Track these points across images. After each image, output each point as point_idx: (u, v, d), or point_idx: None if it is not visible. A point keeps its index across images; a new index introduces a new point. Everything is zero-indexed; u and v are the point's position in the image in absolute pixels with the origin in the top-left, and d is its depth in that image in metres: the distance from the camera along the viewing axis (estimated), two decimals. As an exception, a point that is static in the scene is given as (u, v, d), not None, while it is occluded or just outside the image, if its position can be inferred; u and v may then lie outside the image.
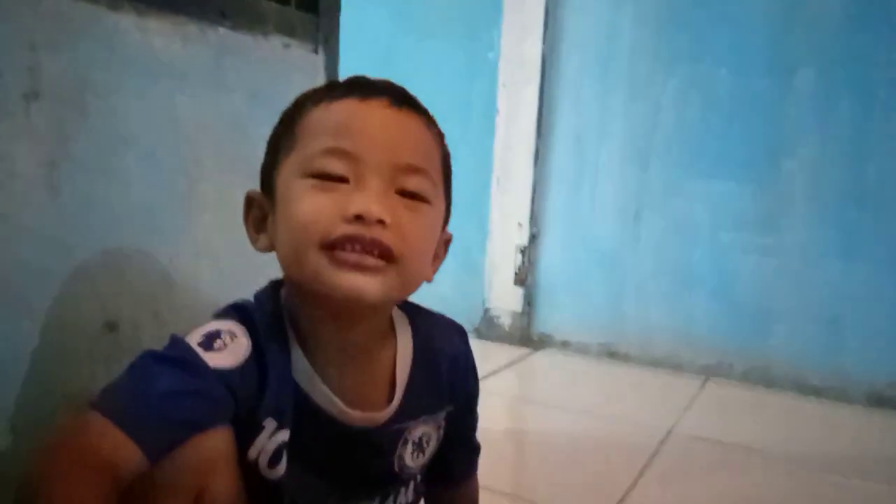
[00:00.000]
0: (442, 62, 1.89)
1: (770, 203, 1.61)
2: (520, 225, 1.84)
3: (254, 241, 0.59)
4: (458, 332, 0.67)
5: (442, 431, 0.64)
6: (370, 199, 0.50)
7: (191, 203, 0.84)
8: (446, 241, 0.60)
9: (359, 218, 0.50)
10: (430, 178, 0.54)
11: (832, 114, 1.55)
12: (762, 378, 1.63)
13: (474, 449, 0.71)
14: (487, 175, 1.87)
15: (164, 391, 0.49)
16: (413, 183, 0.53)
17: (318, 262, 0.51)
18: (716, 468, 1.20)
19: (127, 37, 0.75)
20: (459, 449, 0.68)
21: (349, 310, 0.54)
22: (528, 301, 1.86)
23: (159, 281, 0.82)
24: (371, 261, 0.51)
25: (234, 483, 0.53)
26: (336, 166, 0.51)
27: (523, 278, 1.85)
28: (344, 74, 1.01)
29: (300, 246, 0.51)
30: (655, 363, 1.73)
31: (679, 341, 1.71)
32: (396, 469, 0.60)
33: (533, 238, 1.85)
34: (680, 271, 1.71)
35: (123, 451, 0.46)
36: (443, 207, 0.58)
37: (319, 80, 0.98)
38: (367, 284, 0.51)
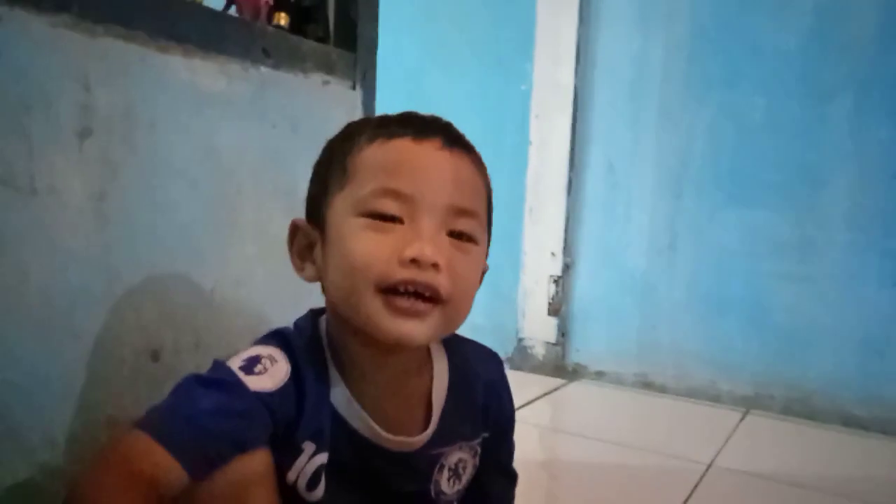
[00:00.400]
0: (475, 94, 1.92)
1: (807, 230, 1.58)
2: (553, 255, 1.84)
3: (299, 270, 0.60)
4: (494, 359, 0.67)
5: (478, 459, 0.64)
6: (425, 243, 0.51)
7: (232, 233, 0.86)
8: (483, 272, 0.61)
9: (413, 261, 0.51)
10: (478, 219, 0.56)
11: (868, 139, 1.52)
12: (804, 409, 1.59)
13: (511, 477, 0.70)
14: (520, 205, 1.88)
15: (206, 411, 0.50)
16: (463, 225, 0.54)
17: (373, 306, 0.52)
18: (758, 501, 1.17)
19: (174, 75, 0.78)
20: (496, 477, 0.68)
21: (394, 346, 0.56)
22: (562, 331, 1.85)
23: (201, 309, 0.84)
24: (422, 306, 0.52)
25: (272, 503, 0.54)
26: (391, 207, 0.53)
27: (557, 308, 1.85)
28: (380, 109, 1.04)
29: (356, 287, 0.53)
30: (693, 394, 1.70)
31: (717, 372, 1.68)
32: (433, 495, 0.61)
33: (566, 268, 1.84)
34: (716, 300, 1.68)
35: (164, 468, 0.47)
36: (486, 244, 0.59)
37: (357, 115, 1.00)
38: (417, 329, 0.53)
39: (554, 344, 1.85)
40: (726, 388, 1.67)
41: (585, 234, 1.83)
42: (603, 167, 1.81)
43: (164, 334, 0.81)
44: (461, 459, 0.62)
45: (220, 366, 0.55)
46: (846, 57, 1.54)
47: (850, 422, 1.54)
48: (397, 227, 0.52)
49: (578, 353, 1.85)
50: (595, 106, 1.81)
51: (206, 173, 0.83)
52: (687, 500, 1.14)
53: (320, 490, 0.56)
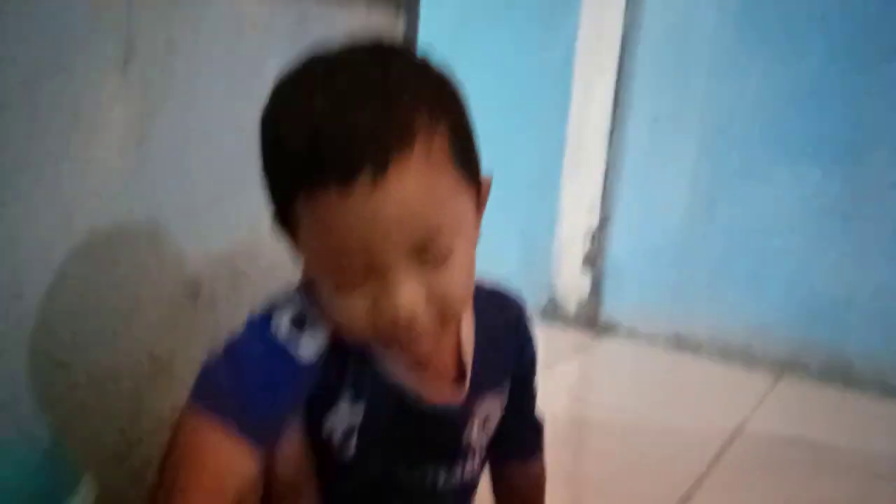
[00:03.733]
0: (518, 41, 1.84)
1: (856, 191, 1.52)
2: (591, 208, 1.80)
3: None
4: (517, 302, 0.66)
5: (504, 405, 0.64)
6: (396, 301, 0.47)
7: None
8: (486, 190, 0.55)
9: (393, 321, 0.48)
10: (447, 228, 0.49)
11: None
12: (841, 375, 1.55)
13: (536, 426, 0.70)
14: (559, 156, 1.82)
15: (268, 384, 0.50)
16: (433, 250, 0.48)
17: (374, 344, 0.52)
18: (787, 470, 1.16)
19: (216, 3, 0.75)
20: (522, 425, 0.68)
21: None
22: (596, 286, 1.83)
23: (240, 249, 0.83)
24: (420, 337, 0.50)
25: (299, 452, 0.55)
26: (348, 274, 0.48)
27: (592, 262, 1.81)
28: (423, 37, 1.00)
29: (349, 336, 0.52)
30: (726, 355, 1.67)
31: (752, 333, 1.65)
32: (462, 444, 0.61)
33: (604, 221, 1.80)
34: (756, 260, 1.64)
35: (243, 456, 0.48)
36: (473, 211, 0.53)
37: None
38: (424, 350, 0.52)
39: (586, 299, 1.83)
40: (761, 351, 1.64)
41: (625, 188, 1.78)
42: (647, 119, 1.75)
43: (203, 273, 0.80)
44: (491, 409, 0.62)
45: (265, 326, 0.52)
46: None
47: (889, 391, 1.50)
48: (366, 281, 0.48)
49: (611, 309, 1.82)
50: (642, 56, 1.73)
51: (246, 108, 0.80)
52: (714, 462, 1.13)
53: (352, 447, 0.56)
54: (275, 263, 0.86)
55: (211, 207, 0.80)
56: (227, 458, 0.47)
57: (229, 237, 0.82)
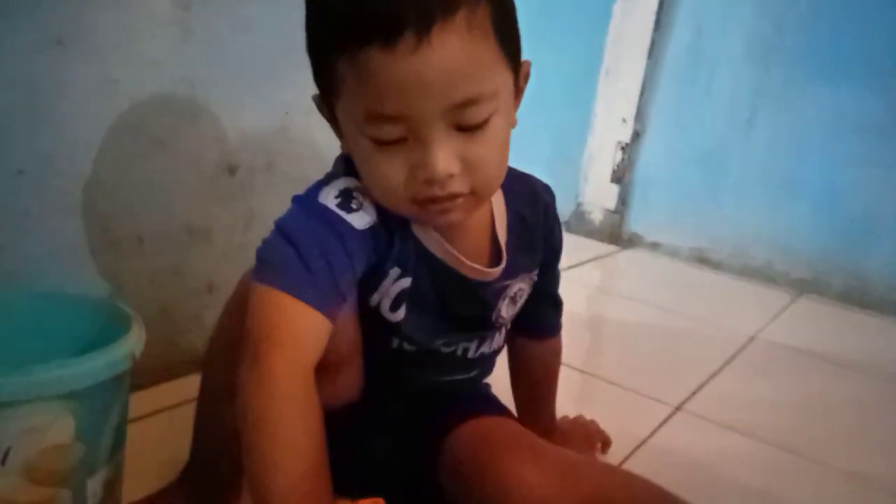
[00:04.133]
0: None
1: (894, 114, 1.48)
2: (624, 121, 1.79)
3: (341, 144, 0.58)
4: (545, 188, 0.68)
5: (532, 285, 0.68)
6: (434, 161, 0.49)
7: (307, 58, 0.87)
8: (525, 75, 0.57)
9: (429, 180, 0.50)
10: (486, 97, 0.50)
11: None
12: (860, 298, 1.57)
13: (557, 304, 0.74)
14: (597, 65, 1.80)
15: (323, 250, 0.51)
16: (469, 116, 0.50)
17: (409, 211, 0.54)
18: (797, 374, 1.19)
19: None
20: (545, 302, 0.72)
21: None
22: (623, 199, 1.84)
23: (275, 131, 0.87)
24: (453, 203, 0.53)
25: (350, 326, 0.58)
26: (387, 132, 0.50)
27: (620, 176, 1.82)
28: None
29: (385, 200, 0.54)
30: (748, 273, 1.69)
31: (775, 252, 1.66)
32: (493, 319, 0.65)
33: (636, 135, 1.79)
34: (787, 180, 1.62)
35: (316, 320, 0.50)
36: (510, 90, 0.54)
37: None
38: (455, 217, 0.54)
39: (613, 211, 1.84)
40: (783, 270, 1.66)
41: (661, 102, 1.76)
42: (690, 30, 1.70)
43: (240, 152, 0.85)
44: (520, 288, 0.66)
45: (313, 199, 0.54)
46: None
47: (908, 314, 1.52)
48: (404, 144, 0.50)
49: (636, 223, 1.84)
50: (690, -37, 1.68)
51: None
52: (725, 365, 1.18)
53: (401, 312, 0.60)
54: (306, 148, 0.90)
55: (248, 93, 0.84)
56: (304, 326, 0.49)
57: (264, 120, 0.86)
